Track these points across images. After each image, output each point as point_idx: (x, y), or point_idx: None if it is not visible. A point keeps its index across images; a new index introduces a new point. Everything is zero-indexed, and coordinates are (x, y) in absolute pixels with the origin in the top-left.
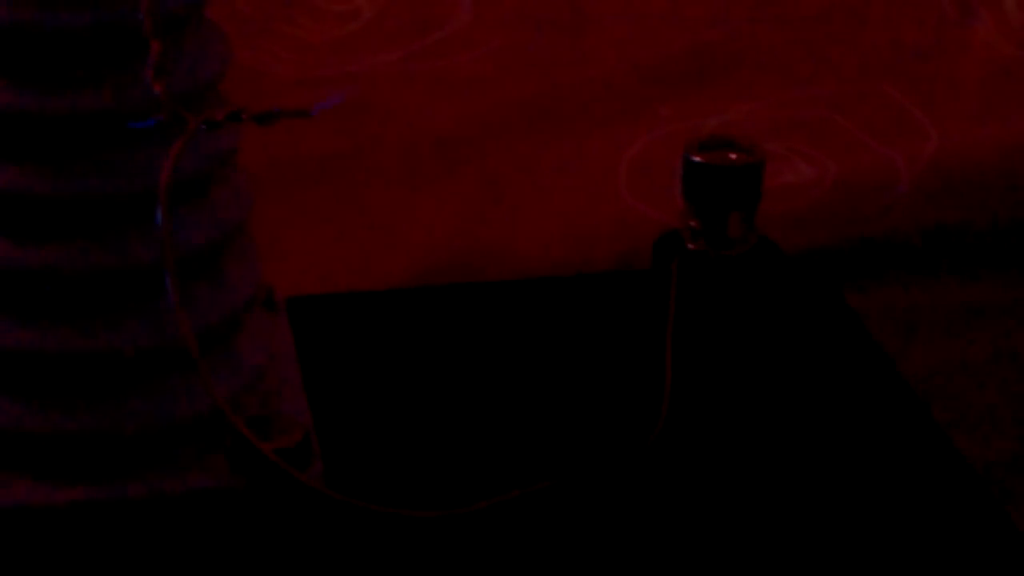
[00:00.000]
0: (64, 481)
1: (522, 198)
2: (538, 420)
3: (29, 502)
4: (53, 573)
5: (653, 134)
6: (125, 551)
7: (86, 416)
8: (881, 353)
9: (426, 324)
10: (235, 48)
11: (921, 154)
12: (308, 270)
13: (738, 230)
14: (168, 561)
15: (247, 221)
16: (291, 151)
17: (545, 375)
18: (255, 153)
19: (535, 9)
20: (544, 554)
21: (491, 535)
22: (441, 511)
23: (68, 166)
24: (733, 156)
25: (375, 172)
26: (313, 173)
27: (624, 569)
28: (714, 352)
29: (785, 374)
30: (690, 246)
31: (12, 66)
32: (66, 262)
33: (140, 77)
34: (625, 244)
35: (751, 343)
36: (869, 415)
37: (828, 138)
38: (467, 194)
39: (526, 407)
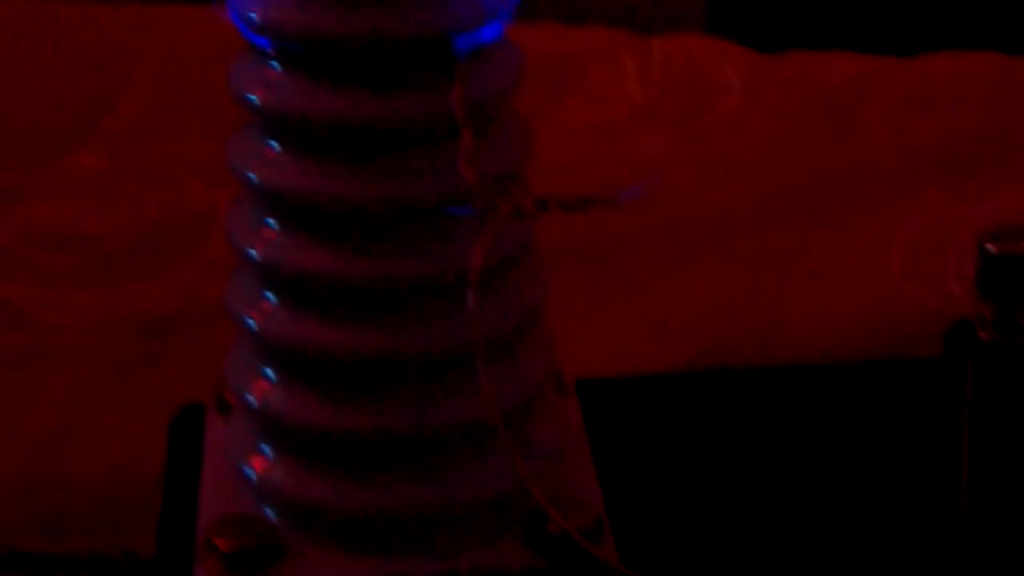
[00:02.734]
0: (364, 557)
1: (793, 283)
2: (822, 508)
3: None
4: None
5: (926, 219)
6: None
7: (387, 494)
8: None
9: (705, 408)
10: None
11: None
12: (578, 350)
13: None
14: None
15: (543, 305)
16: (559, 233)
17: (828, 465)
18: None
19: (806, 95)
20: None
21: None
22: None
23: (379, 249)
24: None
25: (643, 255)
26: (580, 255)
27: None
28: (1012, 445)
29: None
30: (983, 336)
31: (329, 155)
32: (374, 344)
33: (451, 165)
34: (898, 330)
35: None
36: None
37: None
38: (738, 278)
39: (809, 494)
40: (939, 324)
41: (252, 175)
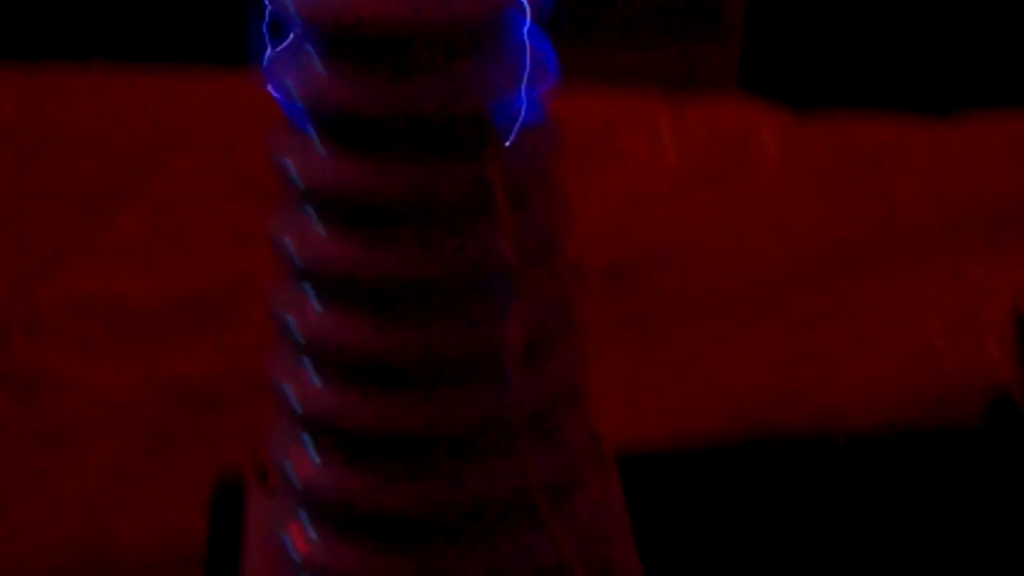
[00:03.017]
0: None
1: (829, 347)
2: None
3: None
4: None
5: (963, 282)
6: None
7: (430, 570)
8: None
9: (744, 481)
10: None
11: None
12: (614, 416)
13: None
14: None
15: (583, 377)
16: (596, 296)
17: (868, 540)
18: None
19: (842, 156)
20: None
21: None
22: None
23: (418, 324)
24: None
25: (680, 319)
26: (616, 319)
27: None
28: None
29: None
30: None
31: (367, 229)
32: (413, 419)
33: (490, 239)
34: (935, 395)
35: None
36: None
37: None
38: (774, 342)
39: (850, 570)
40: (977, 390)
41: (291, 248)
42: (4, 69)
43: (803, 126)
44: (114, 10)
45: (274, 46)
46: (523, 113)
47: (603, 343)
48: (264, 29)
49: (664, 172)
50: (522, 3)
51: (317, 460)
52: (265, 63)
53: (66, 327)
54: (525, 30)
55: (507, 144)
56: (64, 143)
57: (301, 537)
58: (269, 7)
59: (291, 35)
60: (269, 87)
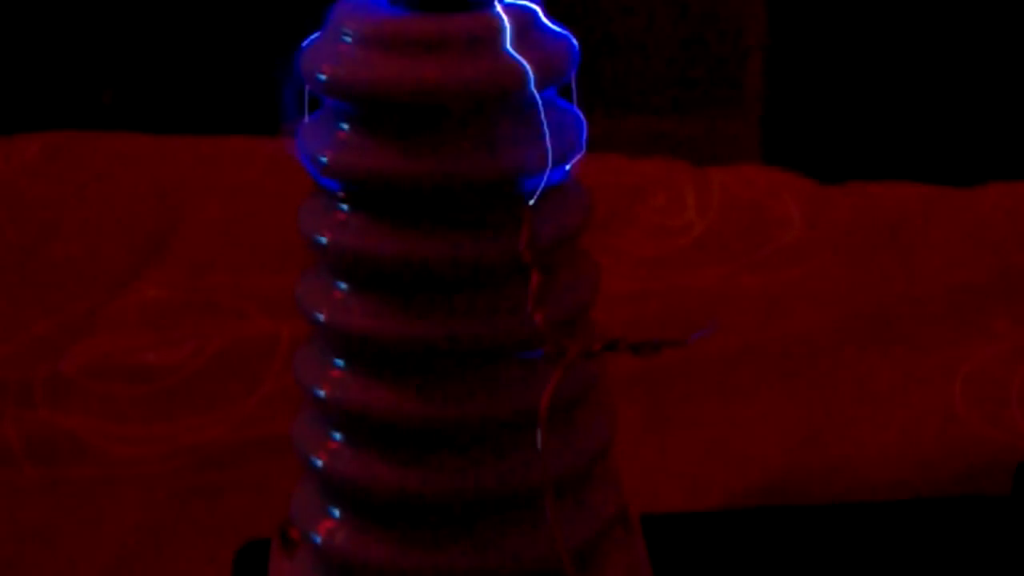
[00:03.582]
0: None
1: (852, 416)
2: None
3: None
4: None
5: (989, 350)
6: None
7: None
8: None
9: (769, 545)
10: None
11: None
12: (640, 481)
13: None
14: None
15: (611, 443)
16: (623, 363)
17: None
18: None
19: (865, 225)
20: None
21: None
22: None
23: (446, 390)
24: None
25: (706, 385)
26: (643, 384)
27: None
28: None
29: None
30: None
31: (396, 295)
32: (441, 485)
33: (519, 306)
34: (961, 462)
35: None
36: None
37: None
38: (800, 408)
39: None
40: (1002, 456)
41: (320, 315)
42: (30, 135)
43: (826, 194)
44: (140, 79)
45: (305, 114)
46: (552, 181)
47: (628, 406)
48: (295, 98)
49: (689, 239)
50: (551, 73)
51: (342, 524)
52: (296, 132)
53: (90, 392)
54: (554, 99)
55: (537, 212)
56: (90, 209)
57: None
58: (302, 76)
59: (322, 104)
60: (299, 156)
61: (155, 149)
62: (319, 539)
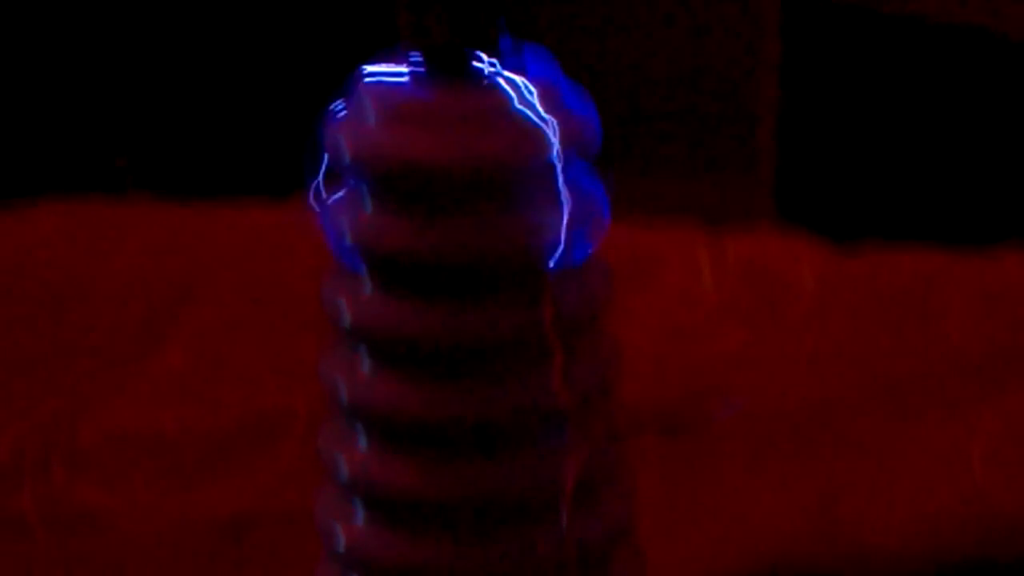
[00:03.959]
0: None
1: (871, 482)
2: None
3: None
4: None
5: (1007, 418)
6: None
7: None
8: None
9: None
10: None
11: None
12: (653, 552)
13: None
14: None
15: (633, 519)
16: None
17: None
18: None
19: (881, 291)
20: None
21: None
22: None
23: (469, 469)
24: None
25: (719, 453)
26: (656, 453)
27: None
28: None
29: None
30: None
31: (418, 373)
32: (464, 567)
33: (541, 383)
34: (980, 533)
35: None
36: None
37: None
38: (816, 477)
39: None
40: (1022, 527)
41: (342, 393)
42: (42, 203)
43: (843, 259)
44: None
45: (326, 186)
46: (575, 254)
47: (641, 477)
48: (316, 169)
49: (705, 307)
50: (578, 147)
51: None
52: (317, 204)
53: (106, 462)
54: (581, 175)
55: (558, 286)
56: (104, 275)
57: None
58: (323, 148)
59: (344, 176)
60: (321, 228)
61: (170, 216)
62: None
